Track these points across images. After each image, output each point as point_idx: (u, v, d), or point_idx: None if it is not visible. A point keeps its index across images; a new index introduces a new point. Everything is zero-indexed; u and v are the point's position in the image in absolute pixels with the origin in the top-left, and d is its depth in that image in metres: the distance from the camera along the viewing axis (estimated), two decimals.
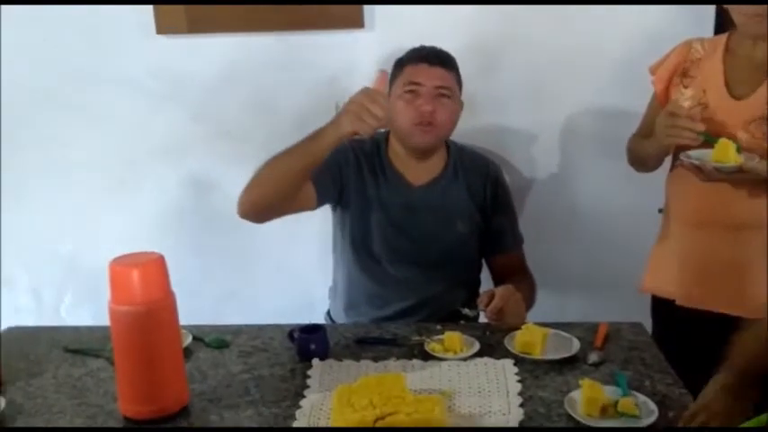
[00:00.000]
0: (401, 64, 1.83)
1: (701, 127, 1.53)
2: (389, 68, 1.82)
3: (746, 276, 1.63)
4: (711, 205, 1.63)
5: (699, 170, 1.55)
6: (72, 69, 2.17)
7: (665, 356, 1.49)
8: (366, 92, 1.48)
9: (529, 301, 1.80)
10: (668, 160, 1.77)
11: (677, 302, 1.71)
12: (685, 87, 1.69)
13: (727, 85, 1.63)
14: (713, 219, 1.64)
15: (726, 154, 1.51)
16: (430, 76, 1.77)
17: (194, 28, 2.08)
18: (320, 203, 1.82)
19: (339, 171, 1.82)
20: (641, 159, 1.80)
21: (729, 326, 1.63)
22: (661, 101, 1.74)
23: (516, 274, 1.83)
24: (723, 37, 1.70)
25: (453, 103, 1.80)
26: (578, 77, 2.07)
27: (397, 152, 1.86)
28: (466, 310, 1.73)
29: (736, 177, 1.53)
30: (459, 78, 1.83)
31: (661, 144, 1.63)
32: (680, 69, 1.71)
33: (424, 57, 1.79)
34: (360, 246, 1.86)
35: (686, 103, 1.64)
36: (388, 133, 1.90)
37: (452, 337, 1.52)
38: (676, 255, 1.72)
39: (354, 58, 2.10)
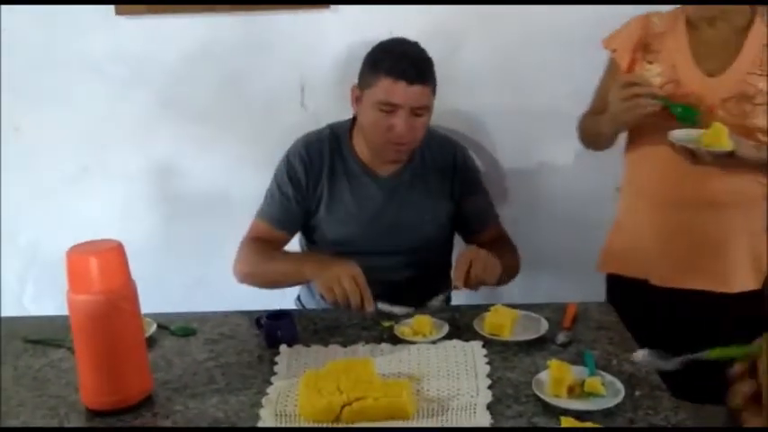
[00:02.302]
0: (376, 69, 1.70)
1: (656, 90, 1.53)
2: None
3: (728, 254, 1.64)
4: (694, 185, 1.60)
5: (690, 153, 1.50)
6: (30, 53, 2.11)
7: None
8: (349, 272, 1.55)
9: (515, 267, 1.83)
10: (623, 137, 1.75)
11: (651, 282, 1.69)
12: (650, 63, 1.65)
13: (696, 60, 1.61)
14: (695, 198, 1.62)
15: (719, 139, 1.48)
16: (408, 97, 1.67)
17: (154, 9, 2.02)
18: (296, 232, 1.89)
19: (298, 196, 1.81)
20: (594, 137, 1.77)
21: (701, 304, 1.64)
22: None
23: (497, 243, 1.83)
24: (679, 9, 1.66)
25: (427, 117, 1.75)
26: (545, 58, 2.06)
27: (362, 146, 1.83)
28: (438, 298, 1.68)
29: (725, 161, 1.51)
30: (434, 84, 1.74)
31: (618, 120, 1.60)
32: (641, 43, 1.67)
33: (403, 72, 1.66)
34: (330, 236, 1.84)
35: (657, 80, 1.61)
36: (350, 123, 1.85)
37: (421, 321, 1.51)
38: (649, 235, 1.69)
39: (321, 38, 2.06)
